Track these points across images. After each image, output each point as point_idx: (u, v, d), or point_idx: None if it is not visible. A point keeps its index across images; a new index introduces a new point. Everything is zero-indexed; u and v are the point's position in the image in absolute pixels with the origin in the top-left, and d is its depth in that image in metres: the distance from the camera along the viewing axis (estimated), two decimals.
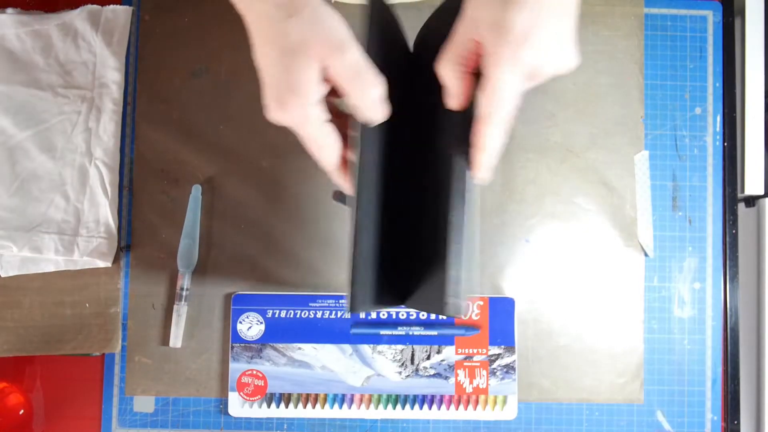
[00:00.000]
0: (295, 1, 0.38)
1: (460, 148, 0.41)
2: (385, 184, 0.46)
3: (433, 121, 0.46)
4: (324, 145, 0.40)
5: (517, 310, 0.60)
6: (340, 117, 0.42)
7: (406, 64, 0.51)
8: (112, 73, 0.60)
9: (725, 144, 0.62)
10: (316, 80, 0.37)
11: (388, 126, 0.43)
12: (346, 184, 0.42)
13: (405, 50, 0.51)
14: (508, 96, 0.38)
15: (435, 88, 0.43)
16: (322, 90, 0.38)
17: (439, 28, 0.44)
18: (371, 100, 0.39)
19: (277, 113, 0.38)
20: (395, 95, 0.42)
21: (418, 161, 0.48)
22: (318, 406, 0.59)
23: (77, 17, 0.60)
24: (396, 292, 0.48)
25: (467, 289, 0.41)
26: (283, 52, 0.37)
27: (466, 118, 0.40)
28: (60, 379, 0.59)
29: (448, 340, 0.59)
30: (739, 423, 0.60)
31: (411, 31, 0.61)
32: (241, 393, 0.58)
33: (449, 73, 0.40)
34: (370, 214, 0.43)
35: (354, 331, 0.59)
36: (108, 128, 0.60)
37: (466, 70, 0.40)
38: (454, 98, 0.41)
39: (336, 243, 0.60)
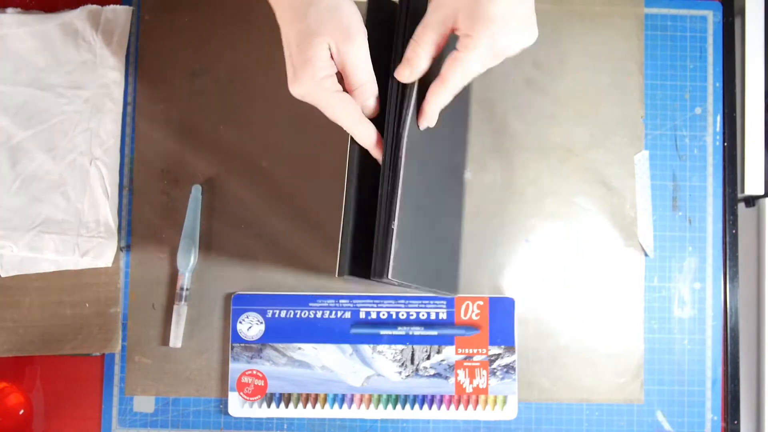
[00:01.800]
0: None
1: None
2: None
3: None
4: (341, 111, 0.43)
5: (517, 310, 0.60)
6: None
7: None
8: (112, 73, 0.60)
9: (725, 144, 0.62)
10: (326, 57, 0.42)
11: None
12: (377, 152, 0.46)
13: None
14: (474, 72, 0.43)
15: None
16: (333, 66, 0.42)
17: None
18: (359, 92, 0.44)
19: (293, 86, 0.43)
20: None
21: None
22: (318, 406, 0.59)
23: (77, 17, 0.60)
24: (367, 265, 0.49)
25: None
26: (300, 33, 0.42)
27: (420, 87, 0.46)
28: (60, 379, 0.59)
29: (448, 340, 0.59)
30: (739, 423, 0.60)
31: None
32: (241, 393, 0.58)
33: (423, 54, 0.43)
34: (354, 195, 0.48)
35: (354, 331, 0.59)
36: (108, 128, 0.60)
37: (436, 51, 0.44)
38: (415, 73, 0.44)
39: (336, 243, 0.60)
